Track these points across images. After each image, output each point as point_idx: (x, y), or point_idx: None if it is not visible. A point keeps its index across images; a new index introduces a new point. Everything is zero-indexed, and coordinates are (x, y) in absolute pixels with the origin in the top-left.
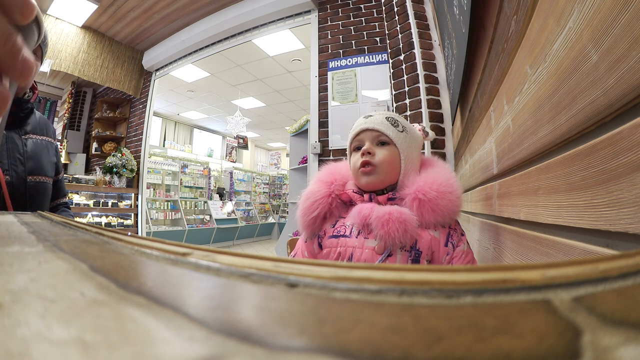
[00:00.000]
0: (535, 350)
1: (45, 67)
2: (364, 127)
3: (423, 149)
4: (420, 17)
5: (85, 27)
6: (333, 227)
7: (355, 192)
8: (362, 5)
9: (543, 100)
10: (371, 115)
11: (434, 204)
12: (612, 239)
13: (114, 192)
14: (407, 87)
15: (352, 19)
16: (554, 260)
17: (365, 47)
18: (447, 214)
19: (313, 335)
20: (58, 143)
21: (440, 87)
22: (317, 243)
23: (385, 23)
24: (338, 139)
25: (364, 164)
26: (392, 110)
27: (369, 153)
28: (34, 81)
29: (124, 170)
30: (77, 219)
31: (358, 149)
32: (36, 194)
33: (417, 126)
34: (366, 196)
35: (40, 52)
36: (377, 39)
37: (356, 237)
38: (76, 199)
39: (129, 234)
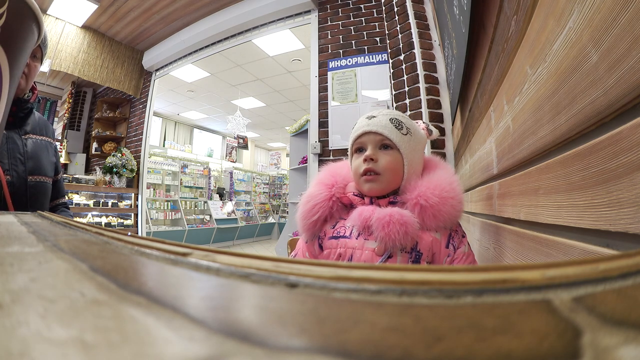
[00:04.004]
0: (535, 350)
1: (44, 67)
2: (366, 129)
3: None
4: (420, 17)
5: (85, 27)
6: (333, 227)
7: (356, 195)
8: (362, 5)
9: (543, 100)
10: (374, 117)
11: (435, 210)
12: (612, 239)
13: (114, 192)
14: (407, 87)
15: (352, 19)
16: (554, 260)
17: (365, 47)
18: (449, 219)
19: (313, 335)
20: (57, 143)
21: (440, 87)
22: (317, 244)
23: (385, 23)
24: (338, 139)
25: (367, 172)
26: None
27: (372, 159)
28: (34, 82)
29: (124, 170)
30: (77, 219)
31: (360, 150)
32: (36, 194)
33: (420, 123)
34: (367, 199)
35: (40, 52)
36: (377, 39)
37: (356, 239)
38: (76, 199)
39: (129, 234)
